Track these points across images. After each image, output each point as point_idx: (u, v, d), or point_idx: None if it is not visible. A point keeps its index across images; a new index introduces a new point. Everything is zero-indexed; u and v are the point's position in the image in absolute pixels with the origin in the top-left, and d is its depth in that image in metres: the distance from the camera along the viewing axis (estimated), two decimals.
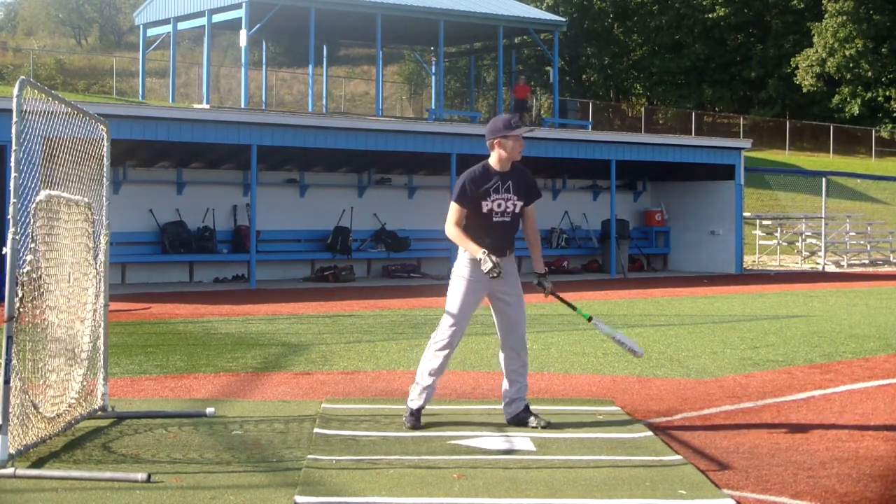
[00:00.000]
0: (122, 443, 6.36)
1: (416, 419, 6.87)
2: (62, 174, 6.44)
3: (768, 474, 5.77)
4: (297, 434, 6.64)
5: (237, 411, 7.40)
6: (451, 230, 6.90)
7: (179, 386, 8.59)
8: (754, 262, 30.28)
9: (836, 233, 32.52)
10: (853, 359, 10.56)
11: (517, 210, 6.98)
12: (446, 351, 6.89)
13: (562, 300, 7.24)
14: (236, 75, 40.56)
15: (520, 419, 6.96)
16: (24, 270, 5.75)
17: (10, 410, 5.59)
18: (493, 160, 6.98)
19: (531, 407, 7.06)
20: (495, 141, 6.95)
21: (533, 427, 6.86)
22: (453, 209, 6.90)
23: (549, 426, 6.87)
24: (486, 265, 6.70)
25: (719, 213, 26.30)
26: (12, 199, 5.65)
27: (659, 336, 12.39)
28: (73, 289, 6.64)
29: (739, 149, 26.49)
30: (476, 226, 6.92)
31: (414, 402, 6.92)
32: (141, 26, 35.96)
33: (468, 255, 6.90)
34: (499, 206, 6.90)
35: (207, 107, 29.67)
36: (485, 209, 6.90)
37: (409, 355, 10.43)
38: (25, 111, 5.83)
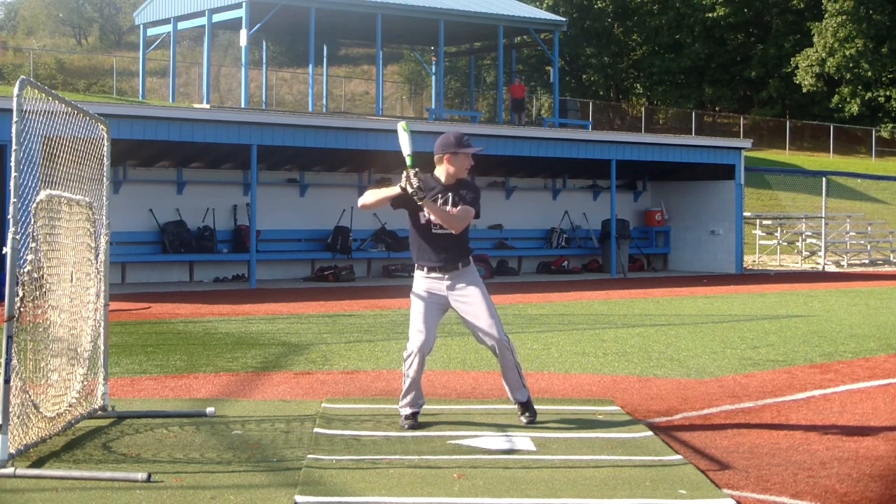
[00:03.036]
0: (123, 442, 6.36)
1: (413, 420, 6.89)
2: (62, 174, 6.44)
3: (768, 474, 5.77)
4: (298, 434, 6.64)
5: (237, 411, 7.40)
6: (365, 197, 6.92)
7: (179, 386, 8.59)
8: (754, 261, 30.29)
9: (836, 233, 32.53)
10: (853, 359, 10.56)
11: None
12: (412, 358, 6.86)
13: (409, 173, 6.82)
14: (236, 75, 40.59)
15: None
16: (25, 270, 5.75)
17: (11, 410, 5.59)
18: (439, 173, 6.98)
19: (534, 407, 7.12)
20: (445, 156, 6.94)
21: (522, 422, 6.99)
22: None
23: (532, 423, 6.95)
24: (405, 182, 6.65)
25: (719, 213, 26.31)
26: (13, 199, 5.65)
27: (659, 336, 12.39)
28: (74, 288, 6.64)
29: (739, 148, 26.50)
30: (418, 238, 6.96)
31: (403, 408, 6.94)
32: (141, 26, 35.95)
33: (417, 274, 6.96)
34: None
35: (207, 107, 29.67)
36: (422, 220, 6.91)
37: None
38: (26, 111, 5.83)
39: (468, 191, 6.96)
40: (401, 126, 7.09)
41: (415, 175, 6.67)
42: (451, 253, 6.92)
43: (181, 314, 14.61)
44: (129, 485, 5.37)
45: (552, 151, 23.45)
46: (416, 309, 6.93)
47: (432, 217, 6.85)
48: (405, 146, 6.96)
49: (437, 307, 6.96)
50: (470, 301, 6.92)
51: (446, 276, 6.92)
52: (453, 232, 6.87)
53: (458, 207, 6.87)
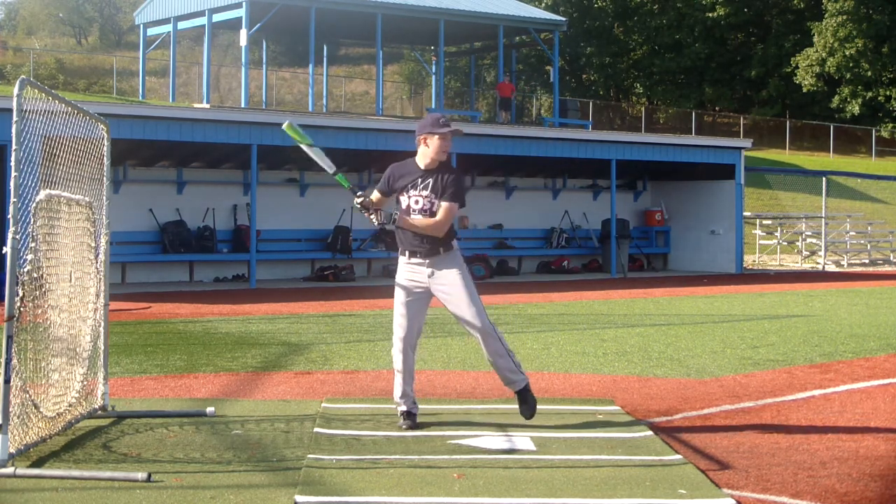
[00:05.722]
0: (123, 442, 6.36)
1: (411, 420, 6.81)
2: (62, 174, 6.44)
3: (768, 474, 5.77)
4: (298, 433, 6.64)
5: (237, 411, 7.40)
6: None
7: (179, 385, 8.59)
8: (754, 261, 30.28)
9: (836, 232, 32.52)
10: (853, 358, 10.56)
11: (436, 209, 6.80)
12: (397, 350, 6.81)
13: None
14: (236, 75, 40.57)
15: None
16: (25, 270, 5.75)
17: (11, 410, 5.59)
18: (420, 156, 6.85)
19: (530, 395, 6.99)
20: (422, 137, 6.81)
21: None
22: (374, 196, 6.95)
23: (530, 417, 6.91)
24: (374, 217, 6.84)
25: (719, 213, 26.31)
26: (12, 199, 5.65)
27: (659, 336, 12.39)
28: (74, 288, 6.64)
29: (739, 148, 26.50)
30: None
31: (399, 405, 6.87)
32: (141, 26, 35.97)
33: (400, 261, 6.92)
34: (416, 202, 6.79)
35: (207, 106, 29.67)
36: (403, 205, 6.85)
37: None
38: (26, 110, 5.83)
39: (449, 174, 6.81)
40: (284, 127, 7.03)
41: (361, 204, 6.79)
42: (427, 238, 6.80)
43: (181, 314, 14.61)
44: (129, 485, 5.37)
45: (552, 151, 23.44)
46: (399, 299, 6.85)
47: (412, 202, 6.78)
48: (318, 159, 7.04)
49: (420, 295, 6.83)
50: (450, 290, 6.77)
51: (427, 262, 6.80)
52: (438, 236, 6.78)
53: (435, 217, 6.75)
